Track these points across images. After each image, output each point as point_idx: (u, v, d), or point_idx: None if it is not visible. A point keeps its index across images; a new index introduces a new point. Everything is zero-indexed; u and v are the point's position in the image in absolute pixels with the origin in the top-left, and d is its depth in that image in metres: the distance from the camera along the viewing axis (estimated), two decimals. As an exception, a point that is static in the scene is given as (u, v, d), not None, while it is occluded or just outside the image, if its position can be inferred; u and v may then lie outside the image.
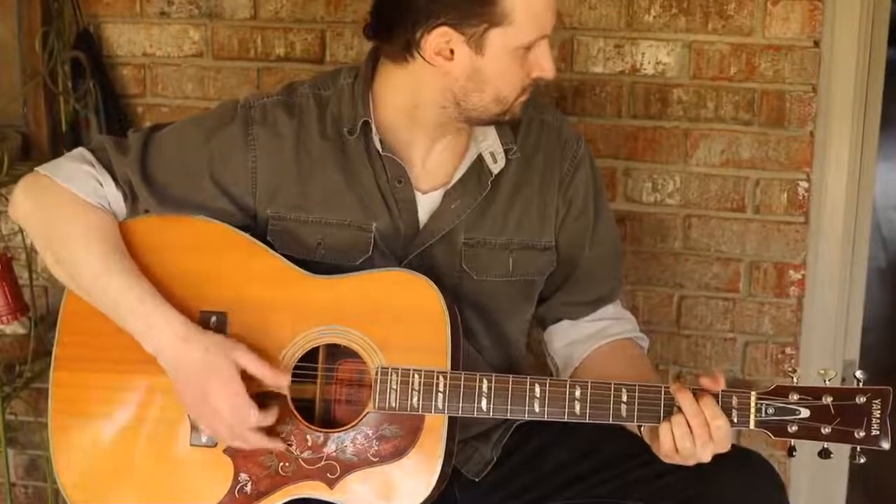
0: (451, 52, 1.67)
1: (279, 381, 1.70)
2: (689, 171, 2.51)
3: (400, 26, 1.68)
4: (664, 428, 1.61)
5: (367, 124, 1.77)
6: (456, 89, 1.71)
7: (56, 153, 2.52)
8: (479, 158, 1.81)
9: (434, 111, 1.75)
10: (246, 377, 1.69)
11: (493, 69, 1.68)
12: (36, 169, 1.84)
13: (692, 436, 1.59)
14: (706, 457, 1.61)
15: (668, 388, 1.64)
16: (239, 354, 1.69)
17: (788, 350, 2.54)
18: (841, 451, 1.62)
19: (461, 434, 1.74)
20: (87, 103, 2.59)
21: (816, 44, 2.40)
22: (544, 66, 1.70)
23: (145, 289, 1.72)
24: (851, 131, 2.46)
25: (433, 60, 1.68)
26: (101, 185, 1.80)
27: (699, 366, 2.58)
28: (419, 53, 1.68)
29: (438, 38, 1.66)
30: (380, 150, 1.77)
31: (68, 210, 1.78)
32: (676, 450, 1.61)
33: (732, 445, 1.65)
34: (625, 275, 2.28)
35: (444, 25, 1.65)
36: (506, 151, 1.81)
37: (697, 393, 1.61)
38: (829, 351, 2.55)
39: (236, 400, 1.67)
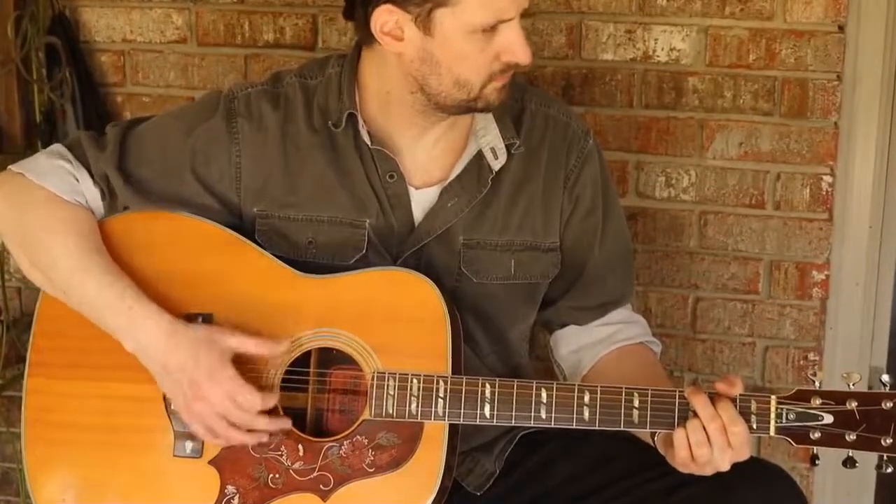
0: (402, 31, 1.68)
1: (277, 349, 1.70)
2: (705, 165, 2.52)
3: (356, 3, 1.71)
4: (679, 434, 1.61)
5: (352, 116, 1.78)
6: (414, 73, 1.71)
7: (30, 145, 2.53)
8: (479, 154, 1.81)
9: (405, 97, 1.75)
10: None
11: (445, 52, 1.68)
12: (10, 167, 1.84)
13: (709, 442, 1.59)
14: (724, 465, 1.61)
15: (682, 392, 1.64)
16: (229, 339, 1.69)
17: (811, 355, 2.55)
18: (867, 461, 1.63)
19: (462, 445, 1.74)
20: (63, 92, 2.60)
21: (841, 29, 2.41)
22: (515, 50, 1.68)
23: (125, 285, 1.72)
24: (879, 122, 2.47)
25: (383, 40, 1.69)
26: (78, 181, 1.81)
27: (716, 372, 2.59)
28: (372, 33, 1.70)
29: (385, 16, 1.67)
30: (368, 143, 1.78)
31: (43, 208, 1.78)
32: (692, 457, 1.61)
33: (752, 458, 1.65)
34: (636, 275, 2.28)
35: (389, 3, 1.66)
36: (507, 147, 1.81)
37: (714, 397, 1.62)
38: (854, 356, 2.56)
39: (234, 385, 1.67)
